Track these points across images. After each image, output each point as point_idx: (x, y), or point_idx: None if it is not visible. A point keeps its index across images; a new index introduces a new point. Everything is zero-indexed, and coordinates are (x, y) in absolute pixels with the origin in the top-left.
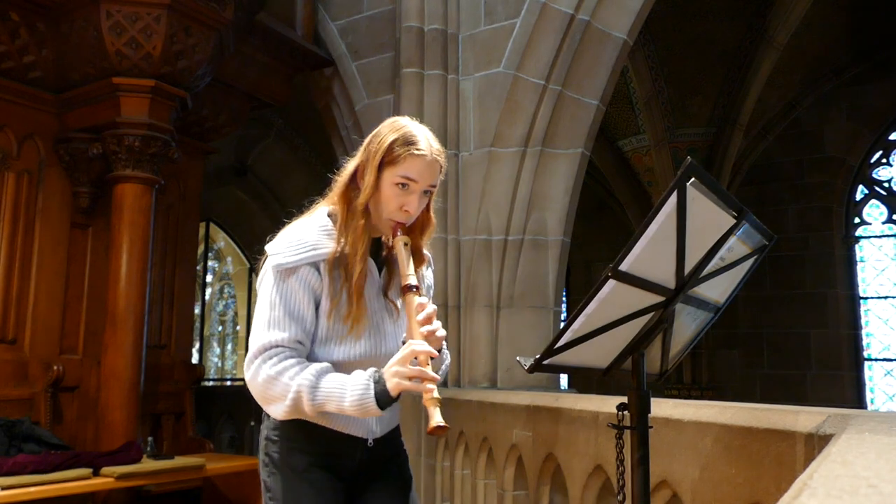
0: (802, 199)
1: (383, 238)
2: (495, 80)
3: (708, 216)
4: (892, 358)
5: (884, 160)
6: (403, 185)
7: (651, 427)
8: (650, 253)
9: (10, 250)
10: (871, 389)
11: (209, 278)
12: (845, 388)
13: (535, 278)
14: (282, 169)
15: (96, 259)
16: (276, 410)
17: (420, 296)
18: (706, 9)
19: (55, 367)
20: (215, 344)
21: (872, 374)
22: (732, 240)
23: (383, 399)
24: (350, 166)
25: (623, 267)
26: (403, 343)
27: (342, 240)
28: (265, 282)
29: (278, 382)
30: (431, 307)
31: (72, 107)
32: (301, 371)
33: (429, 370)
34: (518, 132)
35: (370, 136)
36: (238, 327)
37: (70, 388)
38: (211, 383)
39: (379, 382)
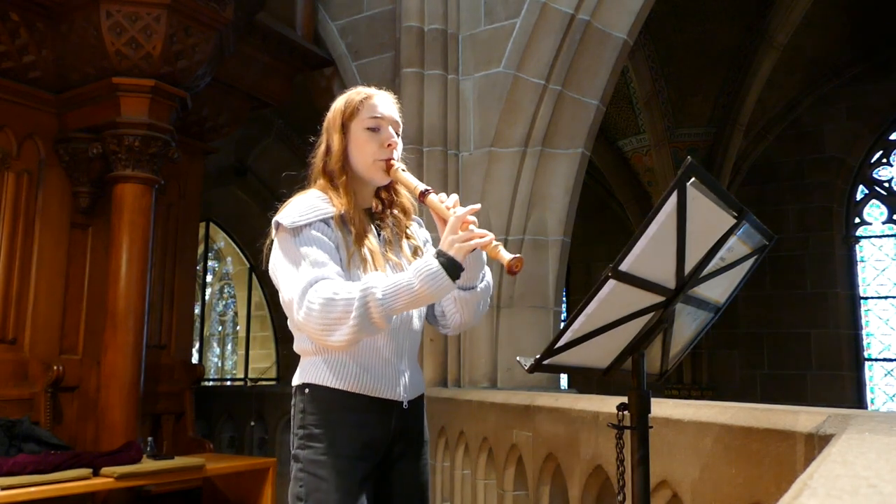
0: (802, 199)
1: (374, 207)
2: (495, 80)
3: (708, 216)
4: (892, 358)
5: (884, 160)
6: (374, 127)
7: (651, 427)
8: (650, 253)
9: (10, 250)
10: (871, 389)
11: (209, 278)
12: (845, 388)
13: (535, 278)
14: (282, 169)
15: (96, 259)
16: (342, 333)
17: (437, 193)
18: (706, 9)
19: (55, 367)
20: (215, 344)
21: (872, 374)
22: (732, 240)
23: (451, 267)
24: (320, 149)
25: (623, 267)
26: None
27: (336, 202)
28: (282, 244)
29: (338, 300)
30: (453, 196)
31: (72, 107)
32: (357, 284)
33: (477, 228)
34: (518, 132)
35: (325, 120)
36: (238, 327)
37: (70, 388)
38: (211, 383)
39: (441, 255)
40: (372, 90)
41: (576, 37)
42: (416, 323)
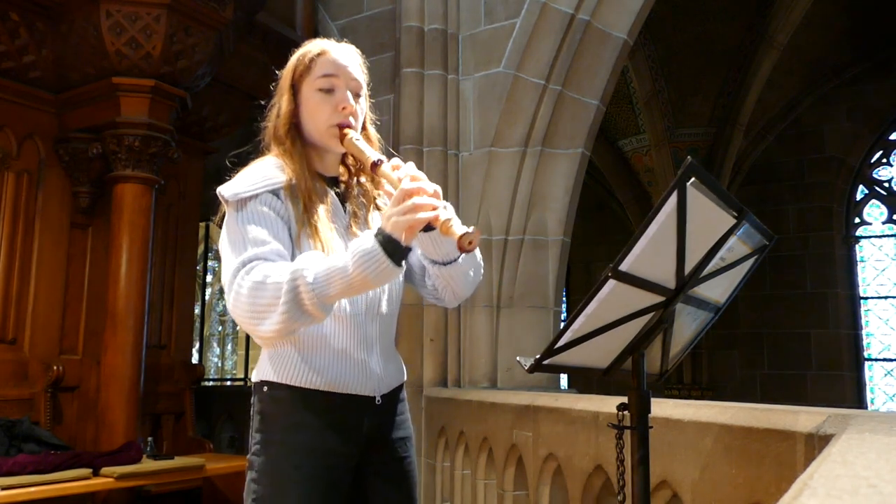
0: (802, 199)
1: (341, 176)
2: (495, 80)
3: (708, 216)
4: (892, 358)
5: (884, 160)
6: (327, 88)
7: (651, 427)
8: (650, 253)
9: (10, 250)
10: (871, 389)
11: (209, 278)
12: (845, 388)
13: (535, 278)
14: None
15: (96, 259)
16: (271, 323)
17: (389, 161)
18: (706, 9)
19: (55, 367)
20: (215, 344)
21: (872, 374)
22: (733, 240)
23: (390, 246)
24: (272, 112)
25: (623, 267)
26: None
27: (287, 168)
28: (227, 220)
29: (267, 285)
30: (410, 163)
31: (72, 107)
32: (289, 266)
33: (425, 197)
34: (518, 132)
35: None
36: (238, 327)
37: (70, 388)
38: (211, 383)
39: (379, 233)
40: (328, 43)
41: (576, 37)
42: (385, 306)
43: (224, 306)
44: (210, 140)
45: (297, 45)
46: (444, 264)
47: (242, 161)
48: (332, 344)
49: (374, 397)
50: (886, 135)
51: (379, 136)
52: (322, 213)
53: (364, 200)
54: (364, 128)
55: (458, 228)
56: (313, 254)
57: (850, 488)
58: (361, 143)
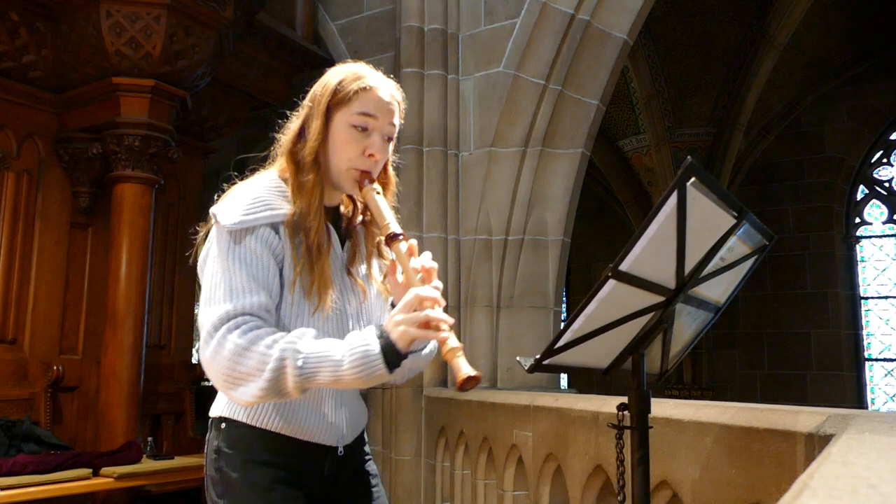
0: (802, 199)
1: (343, 206)
2: (495, 80)
3: (708, 216)
4: (892, 358)
5: (884, 160)
6: (362, 126)
7: (651, 427)
8: (650, 253)
9: (10, 250)
10: (871, 389)
11: None
12: (845, 389)
13: (535, 278)
14: None
15: (96, 259)
16: (248, 392)
17: (407, 240)
18: (706, 9)
19: (55, 367)
20: None
21: (873, 375)
22: (732, 240)
23: (391, 354)
24: (294, 124)
25: (623, 267)
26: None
27: (297, 201)
28: (217, 245)
29: (252, 353)
30: (426, 253)
31: (72, 107)
32: (280, 338)
33: (440, 312)
34: (518, 132)
35: (311, 91)
36: None
37: (70, 388)
38: (211, 383)
39: (382, 336)
40: (375, 79)
41: (576, 37)
42: None
43: None
44: (210, 140)
45: (297, 45)
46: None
47: (242, 175)
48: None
49: (337, 447)
50: (886, 135)
51: (397, 178)
52: (324, 255)
53: (367, 243)
54: (385, 169)
55: (465, 367)
56: (307, 332)
57: (851, 488)
58: (381, 203)
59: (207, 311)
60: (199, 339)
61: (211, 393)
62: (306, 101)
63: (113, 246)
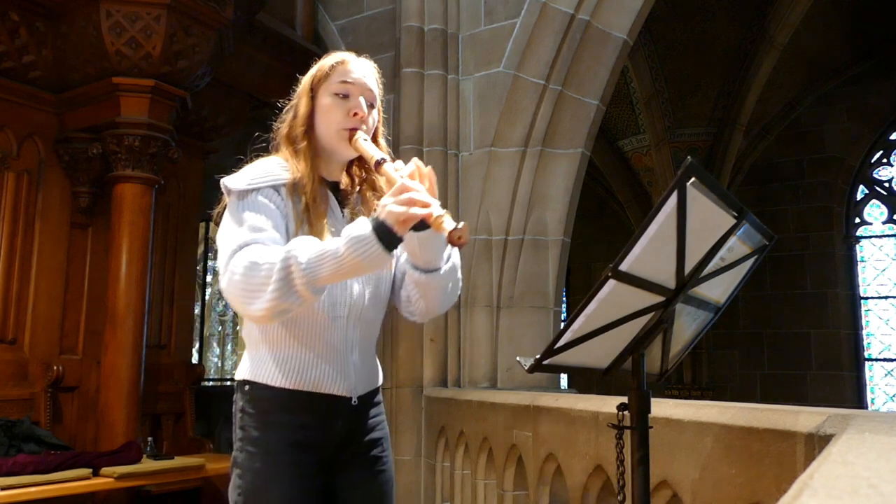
0: (802, 199)
1: (343, 183)
2: (495, 80)
3: (708, 216)
4: (892, 358)
5: (884, 160)
6: (343, 94)
7: (651, 427)
8: (650, 253)
9: (10, 250)
10: (871, 389)
11: (209, 278)
12: (845, 388)
13: (535, 278)
14: None
15: (96, 259)
16: (262, 302)
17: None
18: (706, 9)
19: (55, 367)
20: (215, 344)
21: (872, 374)
22: (732, 240)
23: (382, 231)
24: (287, 115)
25: (623, 267)
26: None
27: (294, 168)
28: (228, 210)
29: (260, 266)
30: (413, 160)
31: (72, 107)
32: (283, 247)
33: (423, 194)
34: (518, 132)
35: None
36: (238, 327)
37: (70, 388)
38: (211, 383)
39: (372, 220)
40: (347, 55)
41: (576, 37)
42: (371, 312)
43: (224, 306)
44: (210, 140)
45: (298, 45)
46: (426, 272)
47: (249, 158)
48: (313, 345)
49: (351, 398)
50: (886, 135)
51: (389, 149)
52: (319, 212)
53: (363, 209)
54: (374, 139)
55: (449, 224)
56: (306, 238)
57: (851, 488)
58: (368, 145)
59: (221, 252)
60: (198, 341)
61: (211, 393)
62: (294, 96)
63: (113, 246)
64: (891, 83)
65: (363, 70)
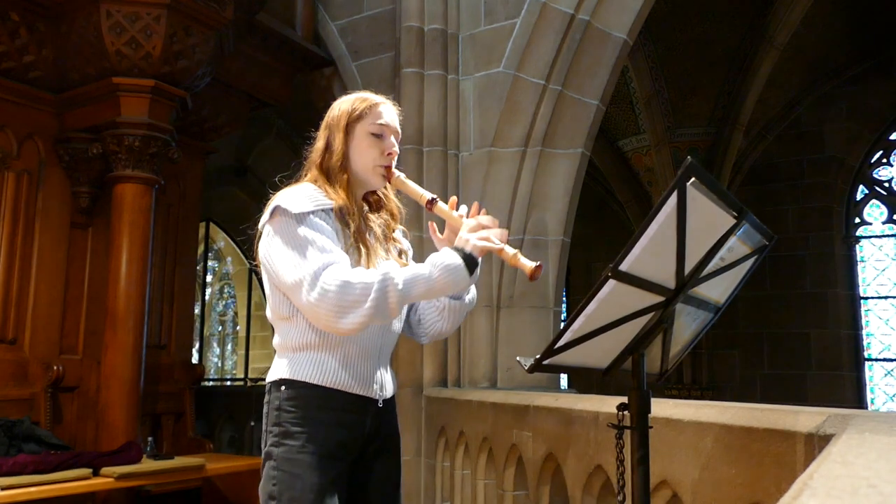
0: (802, 199)
1: (366, 201)
2: (495, 80)
3: (708, 216)
4: (892, 358)
5: (884, 160)
6: (378, 134)
7: (651, 427)
8: (650, 253)
9: (10, 250)
10: (871, 389)
11: (209, 278)
12: (845, 388)
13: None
14: (282, 169)
15: (96, 259)
16: (355, 317)
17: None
18: (706, 9)
19: (55, 367)
20: (215, 344)
21: (872, 374)
22: (732, 240)
23: (469, 262)
24: (319, 144)
25: (623, 267)
26: None
27: (336, 198)
28: (283, 229)
29: (355, 284)
30: (463, 206)
31: (72, 107)
32: (374, 270)
33: (494, 232)
34: (518, 132)
35: (325, 118)
36: (238, 327)
37: (70, 388)
38: (211, 383)
39: (457, 249)
40: (380, 98)
41: (576, 37)
42: (396, 324)
43: (224, 306)
44: (210, 140)
45: (298, 45)
46: (456, 299)
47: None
48: (348, 351)
49: (378, 400)
50: (886, 135)
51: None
52: (369, 235)
53: (385, 232)
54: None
55: (528, 262)
56: (391, 263)
57: (850, 488)
58: (412, 183)
59: (300, 269)
60: (198, 341)
61: (211, 393)
62: (322, 127)
63: (113, 246)
64: (891, 83)
65: (393, 114)
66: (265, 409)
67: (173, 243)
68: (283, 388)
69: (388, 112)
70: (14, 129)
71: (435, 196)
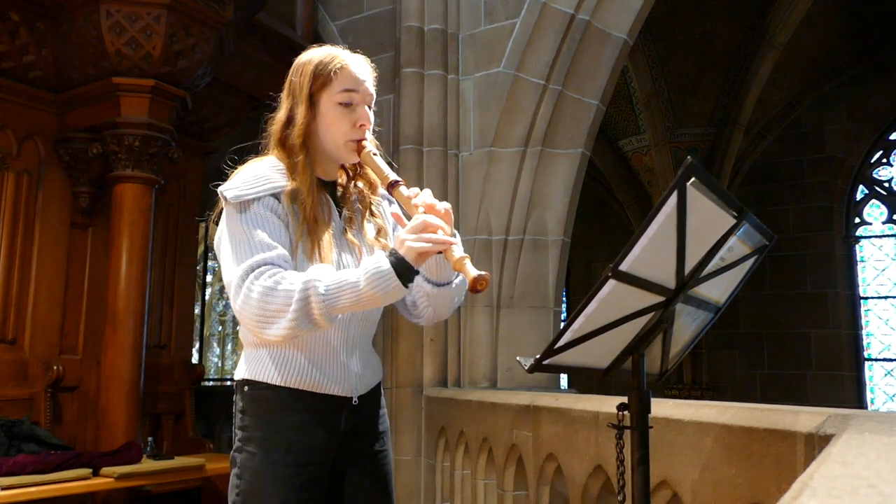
0: (802, 199)
1: (340, 178)
2: (495, 80)
3: (708, 216)
4: (892, 358)
5: (884, 160)
6: (347, 102)
7: (651, 427)
8: (650, 253)
9: (10, 250)
10: (871, 389)
11: (209, 278)
12: (845, 388)
13: (535, 278)
14: None
15: (96, 259)
16: (279, 327)
17: (408, 187)
18: (706, 9)
19: (55, 367)
20: (215, 344)
21: (872, 374)
22: (732, 240)
23: (401, 267)
24: (280, 114)
25: (623, 267)
26: None
27: (292, 179)
28: (228, 219)
29: (278, 291)
30: (426, 191)
31: (72, 107)
32: (302, 275)
33: (442, 235)
34: (518, 132)
35: (288, 76)
36: (238, 327)
37: (70, 388)
38: (211, 383)
39: (391, 254)
40: (346, 55)
41: (576, 37)
42: (373, 312)
43: (224, 306)
44: (210, 140)
45: (298, 45)
46: (439, 285)
47: (241, 159)
48: (313, 345)
49: (352, 398)
50: (886, 135)
51: (377, 142)
52: (321, 223)
53: (360, 206)
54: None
55: (472, 270)
56: (324, 266)
57: (850, 488)
58: (379, 161)
59: (233, 269)
60: (198, 341)
61: (211, 393)
62: (285, 92)
63: (113, 246)
64: (891, 83)
65: (364, 74)
66: (233, 410)
67: (173, 243)
68: (245, 388)
69: (360, 69)
70: (14, 129)
71: (399, 179)
